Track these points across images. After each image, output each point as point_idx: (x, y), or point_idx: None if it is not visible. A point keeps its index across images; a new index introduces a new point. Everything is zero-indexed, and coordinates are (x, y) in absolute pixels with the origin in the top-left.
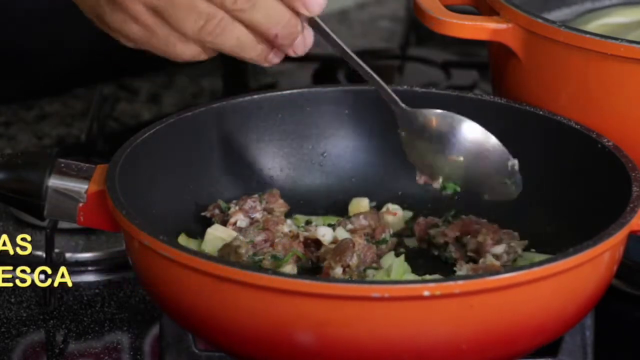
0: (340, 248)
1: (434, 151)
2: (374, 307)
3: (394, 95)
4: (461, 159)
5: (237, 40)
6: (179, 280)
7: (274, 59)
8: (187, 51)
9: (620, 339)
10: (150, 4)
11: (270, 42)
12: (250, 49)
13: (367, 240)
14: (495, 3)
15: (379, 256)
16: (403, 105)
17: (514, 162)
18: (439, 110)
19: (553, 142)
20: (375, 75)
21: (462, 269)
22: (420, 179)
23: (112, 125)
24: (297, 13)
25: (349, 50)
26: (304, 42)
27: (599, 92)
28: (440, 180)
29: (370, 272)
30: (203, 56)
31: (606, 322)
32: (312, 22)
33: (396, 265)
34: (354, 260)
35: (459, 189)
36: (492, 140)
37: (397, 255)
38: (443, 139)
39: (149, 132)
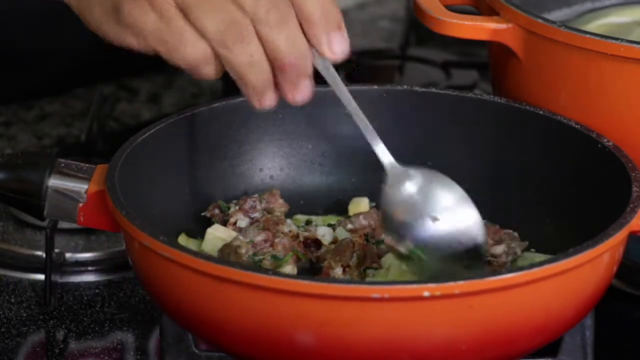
0: (340, 248)
1: (413, 211)
2: (373, 308)
3: (387, 152)
4: (439, 219)
5: (250, 57)
6: (179, 280)
7: (269, 99)
8: (197, 52)
9: (620, 339)
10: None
11: (279, 72)
12: (258, 72)
13: (367, 240)
14: (495, 3)
15: (379, 256)
16: (394, 162)
17: (484, 236)
18: (431, 171)
19: (553, 142)
20: (371, 129)
21: None
22: (388, 239)
23: (112, 125)
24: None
25: (357, 107)
26: (307, 89)
27: (599, 92)
28: (409, 244)
29: (370, 272)
30: (209, 66)
31: (606, 322)
32: (325, 72)
33: (396, 265)
34: (353, 260)
35: (424, 257)
36: (472, 209)
37: None
38: (427, 199)
39: (149, 132)
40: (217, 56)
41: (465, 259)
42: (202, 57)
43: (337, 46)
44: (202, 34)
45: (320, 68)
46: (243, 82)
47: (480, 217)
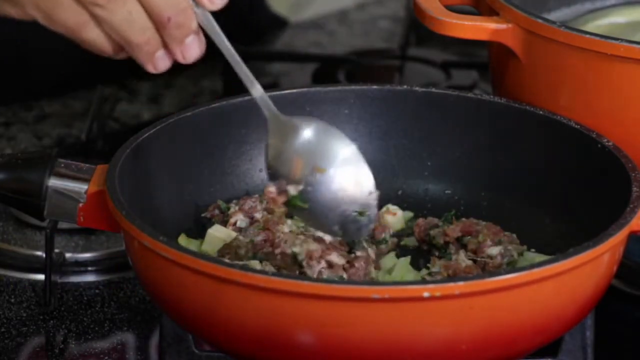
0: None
1: (299, 160)
2: (374, 308)
3: (269, 101)
4: (325, 170)
5: (128, 14)
6: (179, 280)
7: (161, 61)
8: (73, 16)
9: (620, 339)
10: None
11: (161, 29)
12: (140, 30)
13: (366, 240)
14: (495, 3)
15: (378, 256)
16: (277, 111)
17: (375, 194)
18: (314, 119)
19: (553, 142)
20: (255, 81)
21: (435, 266)
22: (271, 189)
23: (112, 125)
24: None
25: (237, 56)
26: (195, 45)
27: (599, 92)
28: (292, 192)
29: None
30: (90, 30)
31: (606, 322)
32: (208, 26)
33: (400, 266)
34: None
35: (306, 206)
36: (362, 164)
37: (398, 255)
38: (312, 149)
39: (149, 132)
40: (98, 20)
41: (353, 214)
42: (80, 21)
43: None
44: None
45: (200, 19)
46: (128, 43)
47: (369, 171)
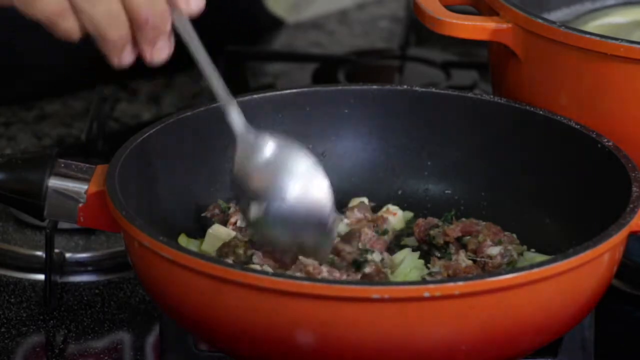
0: (347, 237)
1: (261, 176)
2: (374, 309)
3: (241, 116)
4: (287, 190)
5: (108, 10)
6: (179, 280)
7: (127, 56)
8: (51, 4)
9: (620, 339)
10: None
11: (137, 28)
12: (116, 27)
13: (376, 231)
14: (495, 3)
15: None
16: (245, 125)
17: (333, 215)
18: (281, 139)
19: (553, 142)
20: (225, 89)
21: (435, 266)
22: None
23: (112, 125)
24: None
25: (210, 63)
26: (164, 48)
27: (599, 92)
28: (256, 212)
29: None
30: (67, 20)
31: (606, 322)
32: (184, 30)
33: (409, 260)
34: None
35: (264, 226)
36: (323, 182)
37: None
38: (275, 167)
39: (149, 132)
40: (77, 11)
41: (314, 233)
42: (59, 10)
43: (194, 2)
44: None
45: (177, 25)
46: (102, 37)
47: (329, 190)
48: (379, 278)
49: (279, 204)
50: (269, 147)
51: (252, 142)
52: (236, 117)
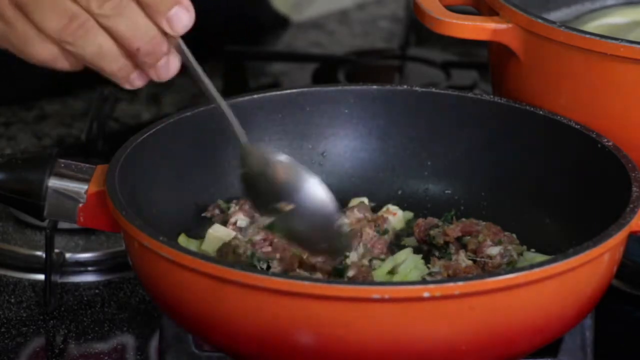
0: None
1: (269, 194)
2: (374, 309)
3: (243, 132)
4: (291, 207)
5: (99, 48)
6: (179, 280)
7: (137, 80)
8: (44, 52)
9: (620, 339)
10: None
11: (132, 57)
12: (111, 61)
13: (377, 231)
14: (495, 3)
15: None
16: (247, 142)
17: (342, 223)
18: (284, 157)
19: (553, 142)
20: (226, 105)
21: (435, 266)
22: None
23: (112, 125)
24: (164, 33)
25: (212, 90)
26: (168, 66)
27: (598, 92)
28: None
29: (376, 262)
30: (61, 61)
31: (606, 322)
32: (179, 49)
33: (410, 261)
34: (359, 250)
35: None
36: (325, 196)
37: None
38: (280, 186)
39: (149, 132)
40: (69, 53)
41: (322, 235)
42: (51, 57)
43: (177, 23)
44: (45, 34)
45: (172, 43)
46: (102, 71)
47: (336, 206)
48: (364, 277)
49: (286, 214)
50: (275, 162)
51: (258, 158)
52: (242, 134)
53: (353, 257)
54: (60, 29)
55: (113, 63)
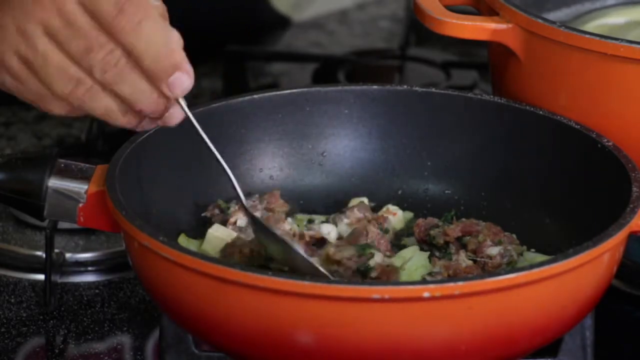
0: (353, 236)
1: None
2: (374, 309)
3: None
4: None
5: (105, 109)
6: (179, 281)
7: (147, 125)
8: (57, 109)
9: (620, 339)
10: (24, 57)
11: (138, 114)
12: (119, 117)
13: (380, 229)
14: (495, 3)
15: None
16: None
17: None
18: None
19: (553, 142)
20: (235, 183)
21: (435, 266)
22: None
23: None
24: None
25: (214, 150)
26: (172, 116)
27: (599, 92)
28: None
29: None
30: (77, 113)
31: (606, 322)
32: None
33: (416, 259)
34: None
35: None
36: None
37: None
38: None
39: (149, 132)
40: (82, 109)
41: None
42: (66, 111)
43: (178, 88)
44: (56, 96)
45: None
46: (114, 124)
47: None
48: (388, 277)
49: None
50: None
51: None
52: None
53: (377, 257)
54: (68, 93)
55: (121, 119)
